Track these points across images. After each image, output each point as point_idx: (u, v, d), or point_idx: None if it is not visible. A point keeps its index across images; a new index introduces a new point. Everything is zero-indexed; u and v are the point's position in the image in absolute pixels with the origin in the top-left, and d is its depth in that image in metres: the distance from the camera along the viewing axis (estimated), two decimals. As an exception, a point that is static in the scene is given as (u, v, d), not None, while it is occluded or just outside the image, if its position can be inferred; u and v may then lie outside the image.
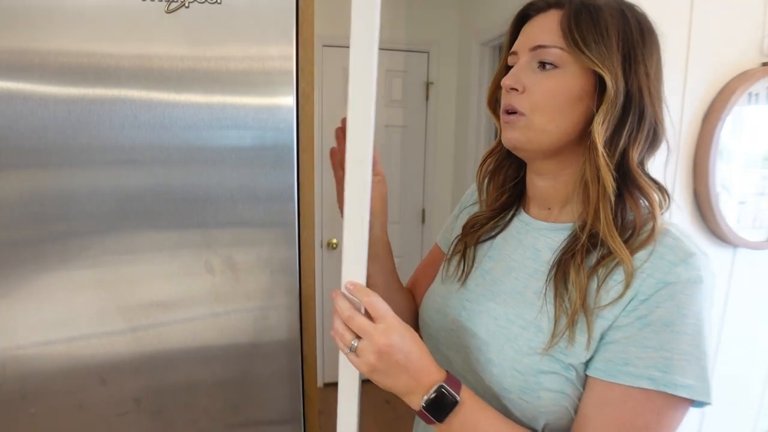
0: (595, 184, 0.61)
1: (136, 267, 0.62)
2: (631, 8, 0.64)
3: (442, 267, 0.80)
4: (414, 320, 0.89)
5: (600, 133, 0.60)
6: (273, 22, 0.60)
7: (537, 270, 0.65)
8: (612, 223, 0.59)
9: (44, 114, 0.56)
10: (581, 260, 0.60)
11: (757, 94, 1.38)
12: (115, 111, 0.58)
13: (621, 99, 0.60)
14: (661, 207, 0.62)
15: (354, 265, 0.57)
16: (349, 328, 0.58)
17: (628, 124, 0.61)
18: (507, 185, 0.75)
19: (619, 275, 0.58)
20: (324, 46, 2.48)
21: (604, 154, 0.60)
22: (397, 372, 0.57)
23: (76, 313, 0.61)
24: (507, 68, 0.67)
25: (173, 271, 0.63)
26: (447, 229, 0.87)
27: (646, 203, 0.61)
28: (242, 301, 0.65)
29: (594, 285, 0.59)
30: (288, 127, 0.62)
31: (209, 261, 0.63)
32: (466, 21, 2.64)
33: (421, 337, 0.77)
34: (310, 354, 0.72)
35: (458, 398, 0.57)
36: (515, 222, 0.73)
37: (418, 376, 0.58)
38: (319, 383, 2.85)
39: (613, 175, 0.60)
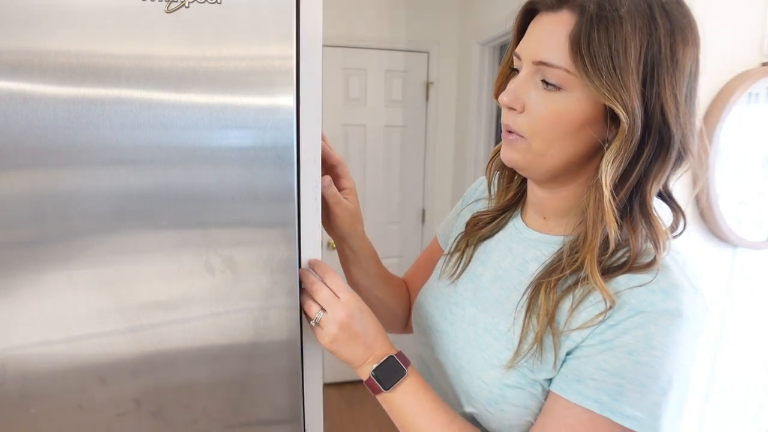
0: (595, 227, 0.53)
1: (136, 267, 0.62)
2: (666, 6, 0.52)
3: (440, 262, 0.79)
4: (405, 313, 0.91)
5: (609, 173, 0.51)
6: (273, 22, 0.60)
7: (521, 282, 0.63)
8: (595, 263, 0.53)
9: (44, 114, 0.56)
10: (554, 283, 0.56)
11: (757, 94, 1.38)
12: (115, 111, 0.58)
13: (638, 132, 0.51)
14: (673, 230, 0.57)
15: (311, 249, 0.67)
16: (315, 301, 0.63)
17: (644, 155, 0.52)
18: (515, 181, 0.71)
19: (594, 297, 0.54)
20: (324, 46, 2.48)
21: (611, 200, 0.51)
22: (356, 343, 0.62)
23: (76, 313, 0.61)
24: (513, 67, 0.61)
25: (173, 271, 0.63)
26: (447, 224, 0.86)
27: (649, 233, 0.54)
28: (242, 301, 0.65)
29: (567, 305, 0.55)
30: (288, 127, 0.62)
31: (209, 261, 0.63)
32: (466, 21, 2.64)
33: (413, 331, 0.80)
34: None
35: (406, 370, 0.62)
36: (510, 227, 0.70)
37: (372, 347, 0.63)
38: (319, 383, 2.85)
39: (618, 222, 0.52)
